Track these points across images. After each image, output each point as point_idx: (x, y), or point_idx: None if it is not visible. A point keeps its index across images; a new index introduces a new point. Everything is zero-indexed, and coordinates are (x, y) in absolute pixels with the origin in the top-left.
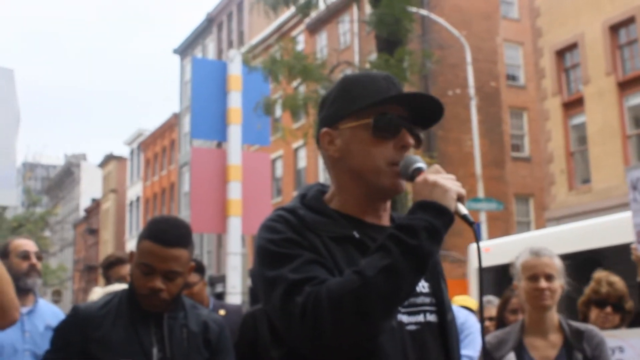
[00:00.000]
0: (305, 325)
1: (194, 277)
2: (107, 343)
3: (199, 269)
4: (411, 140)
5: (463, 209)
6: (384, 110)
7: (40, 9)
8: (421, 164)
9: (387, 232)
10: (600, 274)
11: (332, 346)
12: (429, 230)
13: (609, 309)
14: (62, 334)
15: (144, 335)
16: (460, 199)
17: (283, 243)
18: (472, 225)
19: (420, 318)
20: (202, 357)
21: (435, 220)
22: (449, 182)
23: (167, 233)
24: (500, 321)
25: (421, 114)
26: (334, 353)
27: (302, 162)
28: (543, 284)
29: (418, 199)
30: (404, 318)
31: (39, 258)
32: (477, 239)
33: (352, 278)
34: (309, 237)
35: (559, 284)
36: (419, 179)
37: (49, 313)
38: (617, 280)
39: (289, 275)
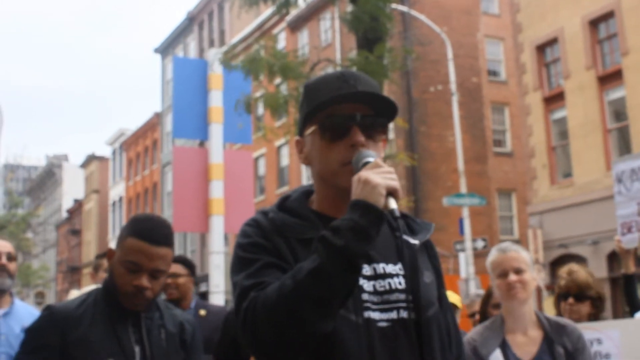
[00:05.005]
0: (245, 330)
1: (179, 269)
2: (86, 343)
3: (188, 265)
4: (360, 138)
5: (392, 204)
6: (330, 112)
7: (16, 4)
8: (370, 159)
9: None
10: (562, 268)
11: (272, 350)
12: (355, 229)
13: (571, 300)
14: (38, 334)
15: (122, 334)
16: (392, 193)
17: (249, 247)
18: (396, 220)
19: (393, 315)
20: (179, 357)
21: (361, 219)
22: (379, 177)
23: (155, 232)
24: (484, 315)
25: (380, 104)
26: (283, 354)
27: (285, 160)
28: (512, 277)
29: (352, 197)
30: (375, 315)
31: (11, 259)
32: (399, 231)
33: (286, 282)
34: (275, 240)
35: (530, 276)
36: (354, 177)
37: (26, 315)
38: (577, 270)
39: (243, 281)
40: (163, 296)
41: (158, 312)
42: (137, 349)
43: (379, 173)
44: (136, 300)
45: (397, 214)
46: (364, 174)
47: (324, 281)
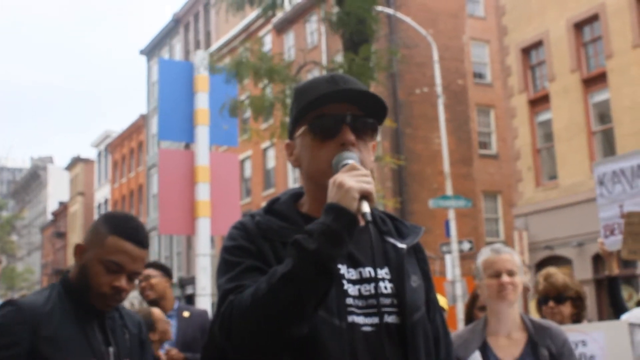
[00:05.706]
0: (222, 334)
1: (150, 271)
2: (57, 342)
3: (159, 267)
4: (351, 137)
5: (365, 207)
6: (321, 112)
7: None
8: (349, 160)
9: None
10: (540, 272)
11: (248, 353)
12: (327, 233)
13: (551, 304)
14: (5, 331)
15: (91, 335)
16: (365, 196)
17: (233, 250)
18: (369, 224)
19: (377, 319)
20: (139, 358)
21: (333, 223)
22: (352, 180)
23: (140, 233)
24: (469, 318)
25: (370, 105)
26: (259, 357)
27: (271, 162)
28: (505, 278)
29: (327, 200)
30: (359, 319)
31: None
32: (371, 237)
33: (260, 286)
34: (259, 243)
35: (520, 279)
36: (330, 180)
37: None
38: (554, 273)
39: (225, 284)
40: (135, 296)
41: (117, 313)
42: (110, 350)
43: (354, 176)
44: (111, 301)
45: (369, 217)
46: (339, 176)
47: (296, 285)
